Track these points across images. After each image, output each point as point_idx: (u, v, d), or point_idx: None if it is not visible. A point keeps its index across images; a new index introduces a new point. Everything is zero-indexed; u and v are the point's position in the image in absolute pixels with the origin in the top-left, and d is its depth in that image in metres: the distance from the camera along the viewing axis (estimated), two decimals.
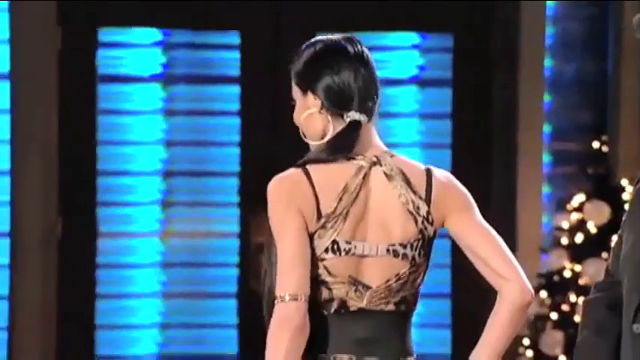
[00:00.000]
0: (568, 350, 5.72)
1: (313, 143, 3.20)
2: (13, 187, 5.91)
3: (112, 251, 6.10)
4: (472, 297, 6.05)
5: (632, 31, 5.60)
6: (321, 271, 3.10)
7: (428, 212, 3.13)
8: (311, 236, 3.12)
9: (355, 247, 3.10)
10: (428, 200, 3.14)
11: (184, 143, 6.16)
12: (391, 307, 3.12)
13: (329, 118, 3.18)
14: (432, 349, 6.23)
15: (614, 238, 2.92)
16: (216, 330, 6.12)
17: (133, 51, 6.12)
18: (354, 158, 3.14)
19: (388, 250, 3.11)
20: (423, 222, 3.11)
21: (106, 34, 6.09)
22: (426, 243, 3.16)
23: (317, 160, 3.16)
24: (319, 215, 3.11)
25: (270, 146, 6.06)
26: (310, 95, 3.18)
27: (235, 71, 6.13)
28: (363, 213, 3.12)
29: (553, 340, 5.76)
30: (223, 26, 6.15)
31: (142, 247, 6.13)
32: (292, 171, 3.15)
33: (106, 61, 6.10)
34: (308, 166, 3.13)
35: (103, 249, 6.08)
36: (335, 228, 3.09)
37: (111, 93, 6.11)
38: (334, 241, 3.09)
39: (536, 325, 5.66)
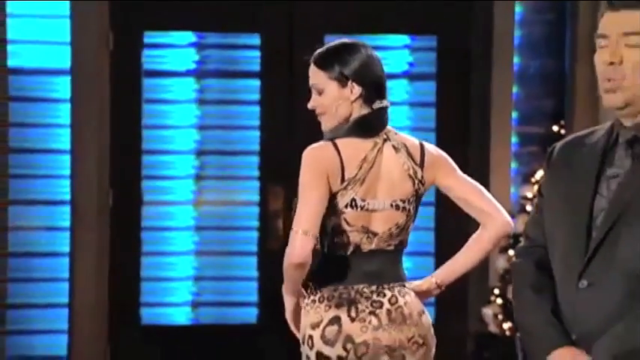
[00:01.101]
0: None
1: (330, 126, 3.59)
2: (73, 164, 6.20)
3: (153, 217, 6.38)
4: (452, 255, 6.68)
5: (585, 32, 6.30)
6: (342, 222, 3.53)
7: (422, 176, 3.57)
8: (335, 194, 3.51)
9: (368, 203, 3.53)
10: (422, 166, 3.58)
11: (214, 127, 6.42)
12: (392, 247, 3.58)
13: (360, 104, 3.55)
14: None
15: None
16: (240, 282, 6.42)
17: (172, 51, 6.38)
18: (371, 136, 3.55)
19: (391, 205, 3.56)
20: (417, 183, 3.56)
21: (149, 37, 6.34)
22: (417, 199, 3.61)
23: (344, 136, 3.52)
24: (343, 179, 3.50)
25: (285, 130, 6.41)
26: (351, 86, 3.55)
27: (256, 67, 6.40)
28: (376, 178, 3.54)
29: None
30: (246, 29, 6.40)
31: (179, 214, 6.40)
32: (324, 144, 3.52)
33: (150, 59, 6.35)
34: (337, 141, 3.51)
35: (147, 215, 6.36)
36: (354, 189, 3.51)
37: (153, 85, 6.36)
38: (353, 199, 3.51)
39: (505, 278, 5.94)
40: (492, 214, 3.62)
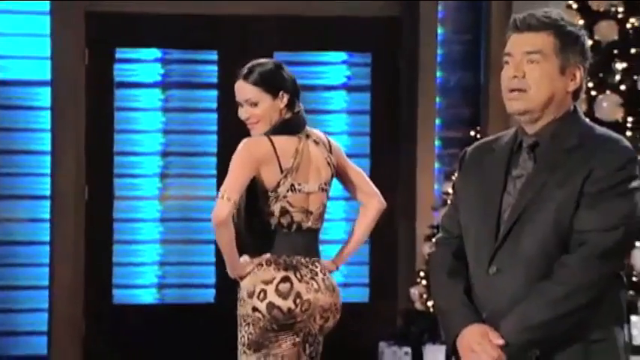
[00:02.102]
0: None
1: (262, 132, 3.79)
2: (53, 164, 6.36)
3: (124, 210, 6.53)
4: (382, 242, 6.60)
5: (497, 50, 6.34)
6: (286, 205, 3.81)
7: (335, 162, 3.92)
8: (278, 183, 3.76)
9: (304, 187, 3.84)
10: (331, 154, 3.92)
11: (177, 132, 6.59)
12: (318, 226, 3.90)
13: (286, 109, 3.82)
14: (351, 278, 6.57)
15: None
16: (200, 266, 6.57)
17: (140, 65, 6.53)
18: (298, 132, 3.84)
19: (319, 188, 3.88)
20: (332, 168, 3.92)
21: (120, 53, 6.51)
22: (331, 181, 3.92)
23: (277, 133, 3.79)
24: (281, 170, 3.78)
25: (239, 135, 5.81)
26: (282, 96, 3.83)
27: (214, 80, 6.56)
28: (306, 166, 3.83)
29: None
30: (205, 47, 6.56)
31: (146, 207, 6.56)
32: (260, 137, 3.78)
33: (121, 72, 6.51)
34: (271, 137, 3.79)
35: (118, 208, 6.52)
36: (292, 177, 3.81)
37: (124, 95, 6.51)
38: (292, 185, 3.81)
39: (429, 261, 5.59)
40: (375, 196, 3.93)
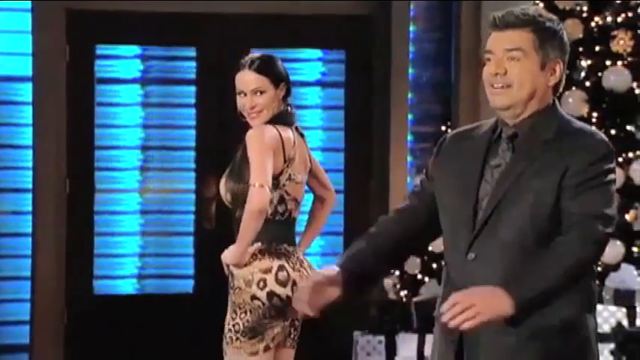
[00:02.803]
0: (423, 270, 6.31)
1: (264, 120, 3.80)
2: (34, 158, 6.40)
3: (105, 202, 6.57)
4: (357, 234, 6.68)
5: (467, 48, 6.49)
6: (284, 193, 3.83)
7: (309, 154, 4.00)
8: (281, 172, 3.78)
9: (297, 176, 3.90)
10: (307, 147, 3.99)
11: (156, 126, 6.61)
12: (298, 215, 3.94)
13: (282, 101, 3.86)
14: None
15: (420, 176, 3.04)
16: (179, 258, 6.63)
17: (120, 61, 6.57)
18: (291, 124, 3.90)
19: (303, 179, 3.96)
20: (309, 161, 4.00)
21: (101, 49, 6.55)
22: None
23: (277, 123, 3.81)
24: (285, 159, 3.82)
25: (216, 129, 6.53)
26: (282, 86, 3.87)
27: (192, 76, 6.61)
28: (298, 156, 3.90)
29: (413, 263, 6.27)
30: (184, 43, 6.62)
31: (126, 200, 6.60)
32: (268, 126, 3.78)
33: (101, 68, 6.54)
34: (277, 126, 3.82)
35: (99, 201, 6.56)
36: (291, 166, 3.86)
37: (104, 91, 6.55)
38: (290, 174, 3.86)
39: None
40: (333, 193, 4.05)
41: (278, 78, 3.84)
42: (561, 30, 2.88)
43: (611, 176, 2.81)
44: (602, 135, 2.87)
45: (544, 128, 2.84)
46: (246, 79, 3.85)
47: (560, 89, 2.93)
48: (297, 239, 4.03)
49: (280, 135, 3.82)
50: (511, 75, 2.82)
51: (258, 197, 3.64)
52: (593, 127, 2.93)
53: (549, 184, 2.77)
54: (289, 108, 3.90)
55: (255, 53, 3.95)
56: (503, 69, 2.83)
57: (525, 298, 2.68)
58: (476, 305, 2.66)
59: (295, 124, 3.94)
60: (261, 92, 3.80)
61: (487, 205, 2.82)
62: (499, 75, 2.82)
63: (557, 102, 2.93)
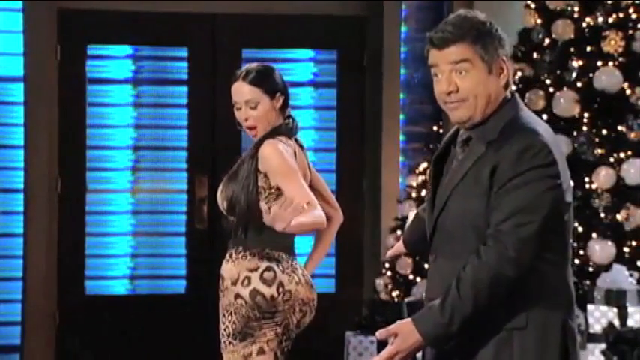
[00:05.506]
0: (415, 270, 6.33)
1: (263, 133, 3.80)
2: (26, 158, 6.43)
3: (96, 203, 6.60)
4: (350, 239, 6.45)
5: None
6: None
7: (309, 166, 3.99)
8: None
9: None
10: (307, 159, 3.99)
11: (148, 127, 6.65)
12: None
13: (280, 112, 3.85)
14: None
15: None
16: (171, 258, 6.66)
17: (112, 61, 6.61)
18: (294, 136, 3.90)
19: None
20: (309, 175, 3.97)
21: (92, 49, 6.59)
22: None
23: (284, 135, 3.81)
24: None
25: (209, 129, 6.59)
26: (278, 97, 3.84)
27: (184, 76, 6.65)
28: (299, 168, 3.86)
29: (405, 263, 6.32)
30: (175, 44, 6.67)
31: (118, 200, 6.64)
32: (283, 138, 3.78)
33: (93, 68, 6.58)
34: (279, 137, 3.80)
35: (91, 201, 6.59)
36: (302, 174, 3.83)
37: (96, 91, 6.58)
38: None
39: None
40: (339, 211, 4.01)
41: (273, 89, 3.82)
42: (493, 24, 2.86)
43: (535, 174, 2.75)
44: (535, 134, 2.80)
45: (491, 129, 2.83)
46: (240, 91, 3.85)
47: (512, 82, 2.91)
48: (296, 244, 4.00)
49: (294, 148, 3.83)
50: (463, 90, 2.81)
51: (316, 218, 3.61)
52: (542, 128, 2.85)
53: (482, 187, 2.78)
54: (289, 119, 3.88)
55: (252, 64, 3.93)
56: (454, 85, 2.82)
57: (429, 333, 2.72)
58: (394, 346, 2.74)
59: (296, 135, 3.92)
60: (256, 104, 3.80)
61: (436, 207, 2.87)
62: (452, 93, 2.82)
63: (515, 95, 2.90)
